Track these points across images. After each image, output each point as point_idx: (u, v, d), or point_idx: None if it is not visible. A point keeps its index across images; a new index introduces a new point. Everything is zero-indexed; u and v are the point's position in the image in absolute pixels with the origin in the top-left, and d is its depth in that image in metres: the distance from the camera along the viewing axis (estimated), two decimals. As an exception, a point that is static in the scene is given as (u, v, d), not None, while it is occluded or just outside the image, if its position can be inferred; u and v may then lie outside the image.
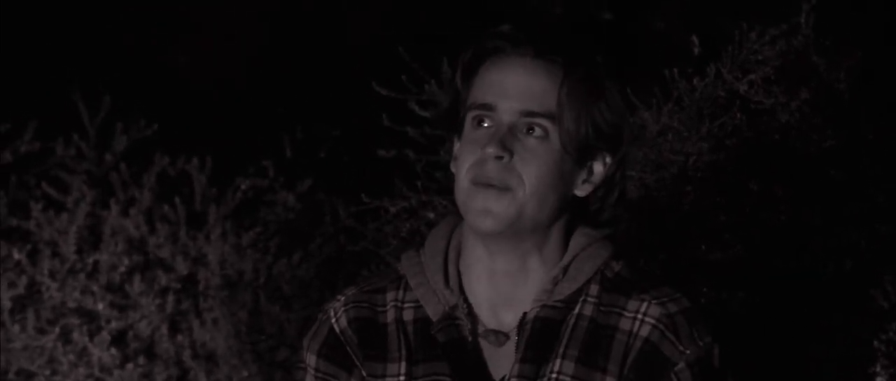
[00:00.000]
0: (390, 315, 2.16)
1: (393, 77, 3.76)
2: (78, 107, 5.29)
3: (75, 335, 5.08)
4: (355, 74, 4.43)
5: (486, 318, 2.13)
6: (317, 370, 2.17)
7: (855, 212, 3.44)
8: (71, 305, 5.11)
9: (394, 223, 3.89)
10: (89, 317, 5.12)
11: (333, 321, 2.18)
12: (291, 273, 5.03)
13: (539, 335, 2.09)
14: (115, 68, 6.27)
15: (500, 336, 2.11)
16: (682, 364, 2.07)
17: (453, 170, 2.14)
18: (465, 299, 2.13)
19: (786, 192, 3.47)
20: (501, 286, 2.12)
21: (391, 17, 6.14)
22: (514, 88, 2.08)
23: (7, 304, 5.04)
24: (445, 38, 3.51)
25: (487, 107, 2.09)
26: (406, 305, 2.16)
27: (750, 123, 3.56)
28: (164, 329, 5.11)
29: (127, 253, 5.12)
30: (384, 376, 2.13)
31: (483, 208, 2.07)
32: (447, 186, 3.76)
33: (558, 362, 2.08)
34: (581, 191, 2.13)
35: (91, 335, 5.09)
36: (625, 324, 2.09)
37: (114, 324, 5.11)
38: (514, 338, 2.11)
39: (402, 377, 2.12)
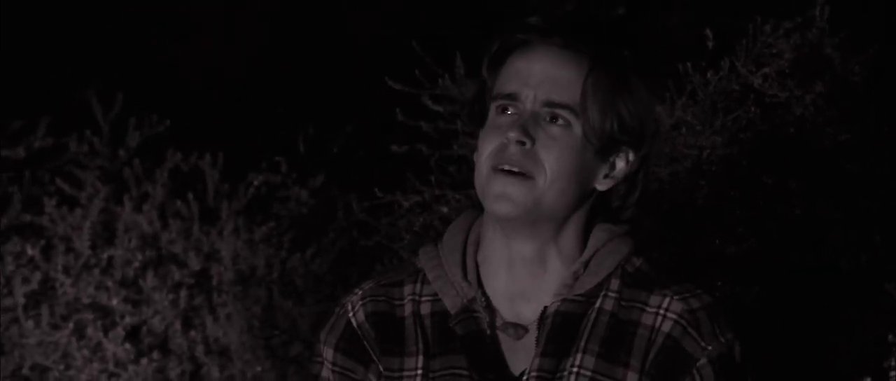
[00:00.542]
0: (408, 309, 2.15)
1: (406, 72, 3.75)
2: (91, 103, 5.29)
3: (89, 331, 5.08)
4: (368, 70, 4.43)
5: (505, 311, 2.12)
6: (334, 363, 2.16)
7: (870, 206, 3.44)
8: (85, 300, 5.11)
9: (407, 218, 3.89)
10: (103, 312, 5.12)
11: (351, 315, 2.17)
12: (304, 268, 5.03)
13: (560, 329, 2.08)
14: (129, 64, 6.27)
15: (518, 329, 2.10)
16: (703, 360, 2.06)
17: (476, 160, 2.13)
18: (484, 293, 2.13)
19: (800, 185, 3.46)
20: (520, 278, 2.11)
21: (399, 16, 6.14)
22: (538, 76, 2.08)
23: (21, 300, 5.05)
24: (450, 38, 3.52)
25: (511, 96, 2.09)
26: (423, 298, 2.15)
27: (764, 117, 3.55)
28: (178, 325, 5.11)
29: (140, 249, 5.13)
30: (401, 370, 2.13)
31: (501, 193, 2.07)
32: (460, 181, 3.76)
33: (579, 356, 2.08)
34: (602, 185, 2.12)
35: (105, 331, 5.10)
36: (647, 319, 2.09)
37: (127, 319, 5.12)
38: (533, 332, 2.11)
39: (419, 371, 2.12)
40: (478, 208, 2.14)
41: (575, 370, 2.07)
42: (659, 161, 3.54)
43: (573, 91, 2.07)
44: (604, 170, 2.12)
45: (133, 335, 5.15)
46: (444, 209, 3.78)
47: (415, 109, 3.78)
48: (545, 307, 2.10)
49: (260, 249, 5.09)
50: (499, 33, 2.13)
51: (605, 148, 2.09)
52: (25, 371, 5.11)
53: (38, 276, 5.09)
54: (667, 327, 2.08)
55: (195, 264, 5.14)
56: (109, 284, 5.13)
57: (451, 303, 2.13)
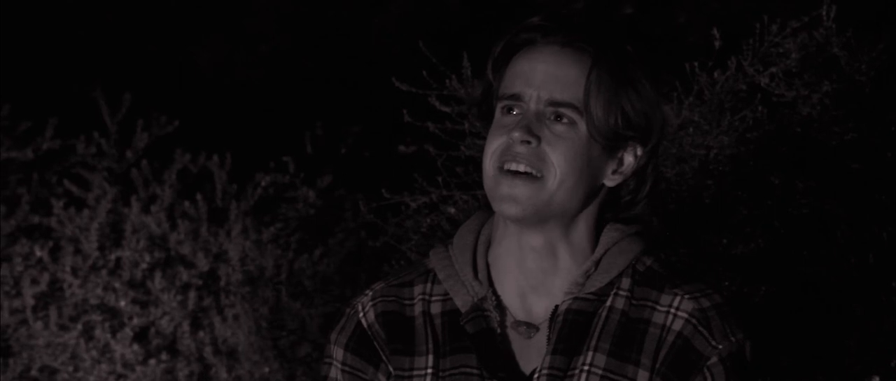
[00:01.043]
0: (418, 309, 2.16)
1: (413, 73, 3.76)
2: (99, 104, 5.30)
3: (97, 332, 5.09)
4: (375, 71, 4.43)
5: (516, 309, 2.13)
6: (344, 363, 2.16)
7: (877, 204, 3.44)
8: (93, 302, 5.12)
9: (414, 218, 3.89)
10: (111, 314, 5.13)
11: (361, 315, 2.17)
12: (312, 269, 5.04)
13: (571, 328, 2.09)
14: (136, 66, 6.28)
15: (530, 328, 2.10)
16: (714, 359, 2.07)
17: (483, 160, 2.14)
18: (494, 292, 2.13)
19: (807, 185, 3.46)
20: (531, 277, 2.12)
21: (408, 17, 6.14)
22: (541, 76, 2.09)
23: (30, 301, 5.06)
24: (457, 38, 3.52)
25: (515, 96, 2.09)
26: (434, 298, 2.16)
27: (771, 116, 3.55)
28: (186, 326, 5.12)
29: (148, 250, 5.14)
30: (412, 369, 2.13)
31: (508, 195, 2.07)
32: (468, 181, 3.76)
33: (590, 354, 2.08)
34: (611, 181, 2.13)
35: (113, 332, 5.11)
36: (657, 318, 2.09)
37: (136, 321, 5.13)
38: (544, 330, 2.11)
39: (429, 371, 2.12)
40: (488, 208, 2.15)
41: (586, 368, 2.07)
42: (666, 161, 3.55)
43: (576, 89, 2.08)
44: (612, 165, 2.12)
45: (141, 336, 5.16)
46: (452, 210, 3.78)
47: (422, 109, 3.79)
48: (556, 306, 2.10)
49: (268, 249, 5.09)
50: (501, 34, 2.13)
51: (611, 144, 2.10)
52: (34, 373, 5.12)
53: (46, 277, 5.10)
54: (678, 325, 2.08)
55: (203, 264, 5.15)
56: (117, 285, 5.14)
57: (461, 302, 2.13)
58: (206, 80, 6.31)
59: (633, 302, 2.10)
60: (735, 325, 2.09)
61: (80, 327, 5.07)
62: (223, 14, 6.46)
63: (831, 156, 3.48)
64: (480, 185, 2.15)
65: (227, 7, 6.47)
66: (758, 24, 3.57)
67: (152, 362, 5.09)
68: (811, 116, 3.51)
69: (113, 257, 5.13)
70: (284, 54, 6.36)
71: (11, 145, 5.27)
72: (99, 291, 5.09)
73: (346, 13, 6.30)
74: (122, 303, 5.09)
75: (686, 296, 2.10)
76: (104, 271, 5.11)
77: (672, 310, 2.09)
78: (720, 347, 2.07)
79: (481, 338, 2.10)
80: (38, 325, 5.03)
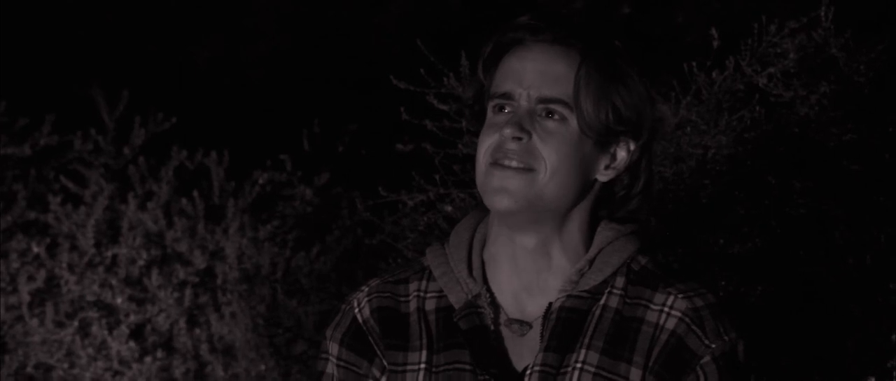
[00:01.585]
0: (412, 305, 2.17)
1: (410, 71, 3.76)
2: (96, 101, 5.30)
3: (94, 329, 5.09)
4: (375, 71, 4.43)
5: (510, 307, 2.13)
6: (339, 359, 2.18)
7: (874, 205, 3.43)
8: (89, 298, 5.12)
9: (411, 216, 3.89)
10: (108, 311, 5.13)
11: (357, 311, 2.19)
12: (309, 267, 5.04)
13: (564, 325, 2.09)
14: (136, 65, 6.28)
15: (523, 326, 2.11)
16: (707, 358, 2.07)
17: (476, 159, 2.14)
18: (488, 289, 2.14)
19: (805, 185, 3.46)
20: (524, 273, 2.12)
21: (406, 16, 6.14)
22: (531, 74, 2.10)
23: (26, 297, 5.06)
24: (462, 38, 3.52)
25: (506, 95, 2.11)
26: (429, 295, 2.17)
27: (769, 117, 3.55)
28: (182, 323, 5.12)
29: (145, 247, 5.14)
30: (405, 364, 2.14)
31: (499, 187, 2.08)
32: (465, 180, 3.76)
33: (583, 352, 2.09)
34: (603, 176, 2.13)
35: (110, 329, 5.11)
36: (651, 316, 2.09)
37: (132, 318, 5.12)
38: (537, 328, 2.11)
39: (422, 366, 2.13)
40: (483, 207, 2.15)
41: (578, 365, 2.08)
42: (664, 160, 3.54)
43: (566, 85, 2.09)
44: (604, 161, 2.13)
45: (137, 333, 5.16)
46: (449, 208, 3.78)
47: (420, 107, 3.78)
48: (550, 303, 2.11)
49: (265, 247, 5.10)
50: (490, 34, 2.14)
51: (603, 139, 2.10)
52: (29, 370, 5.12)
53: (42, 274, 5.10)
54: (671, 324, 2.09)
55: (200, 262, 5.15)
56: (114, 282, 5.14)
57: (455, 299, 2.14)
58: (205, 79, 6.32)
59: (627, 301, 2.11)
60: (728, 324, 2.10)
61: (76, 324, 5.07)
62: (223, 13, 6.46)
63: (829, 156, 3.47)
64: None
65: (226, 6, 6.47)
66: (756, 25, 3.57)
67: (148, 359, 5.08)
68: (809, 116, 3.51)
69: (109, 253, 5.12)
70: (284, 54, 6.37)
71: (8, 141, 5.27)
72: (95, 288, 5.09)
73: (346, 13, 6.31)
74: (119, 300, 5.09)
75: (680, 295, 2.10)
76: (101, 268, 5.11)
77: (666, 309, 2.09)
78: (713, 346, 2.08)
79: (474, 335, 2.11)
80: (34, 322, 5.03)
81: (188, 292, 5.11)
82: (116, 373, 5.07)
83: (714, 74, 3.59)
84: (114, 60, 6.17)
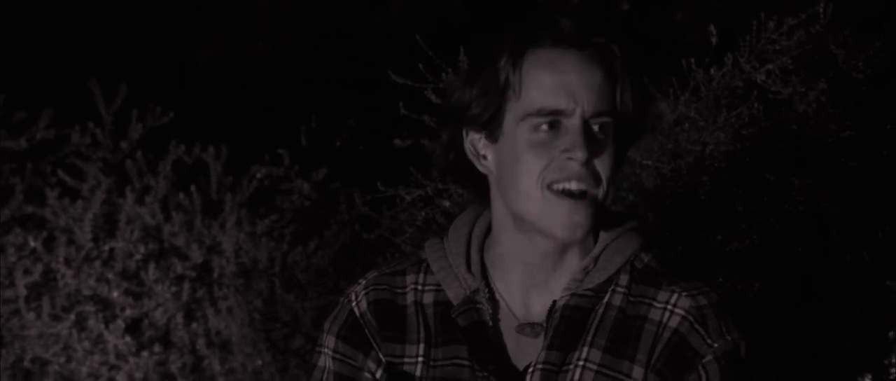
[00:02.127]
0: (409, 297, 2.17)
1: (409, 66, 3.75)
2: (94, 94, 5.30)
3: (90, 323, 5.09)
4: (375, 70, 4.43)
5: (515, 306, 2.13)
6: (335, 352, 2.18)
7: (872, 202, 3.44)
8: (86, 292, 5.12)
9: (409, 211, 3.88)
10: (104, 305, 5.13)
11: (354, 304, 2.19)
12: (306, 261, 5.04)
13: (568, 323, 2.09)
14: (132, 56, 6.28)
15: (536, 327, 2.10)
16: (709, 357, 2.07)
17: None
18: (487, 285, 2.13)
19: (803, 182, 3.46)
20: (535, 275, 2.12)
21: (404, 12, 6.14)
22: (579, 88, 2.04)
23: (23, 291, 5.06)
24: (462, 37, 3.52)
25: (557, 112, 2.05)
26: (426, 288, 2.16)
27: (767, 113, 3.55)
28: (179, 317, 5.12)
29: (142, 241, 5.14)
30: (403, 357, 2.14)
31: (573, 223, 2.04)
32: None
33: (586, 350, 2.08)
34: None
35: (106, 323, 5.10)
36: (654, 314, 2.09)
37: (129, 312, 5.12)
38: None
39: (420, 359, 2.13)
40: (481, 202, 2.14)
41: (581, 363, 2.08)
42: (662, 157, 3.54)
43: (609, 96, 2.06)
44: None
45: (134, 327, 5.16)
46: (447, 203, 3.78)
47: (418, 102, 3.78)
48: (554, 301, 2.10)
49: (262, 242, 5.09)
50: (507, 43, 2.08)
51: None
52: (26, 363, 5.11)
53: (39, 267, 5.09)
54: (674, 322, 2.08)
55: (197, 256, 5.14)
56: (111, 276, 5.13)
57: (453, 294, 2.14)
58: (205, 78, 6.32)
59: (631, 299, 2.11)
60: (731, 324, 2.09)
61: (72, 317, 5.07)
62: (223, 13, 6.46)
63: (828, 153, 3.47)
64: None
65: (226, 6, 6.47)
66: (755, 22, 3.57)
67: (145, 353, 5.08)
68: (807, 113, 3.51)
69: (107, 247, 5.12)
70: (284, 54, 6.37)
71: (6, 135, 5.27)
72: (92, 282, 5.08)
73: (346, 13, 6.31)
74: (116, 294, 5.09)
75: (683, 293, 2.10)
76: (98, 262, 5.11)
77: (669, 307, 2.09)
78: (716, 345, 2.07)
79: (473, 331, 2.11)
80: (31, 315, 5.03)
81: (185, 286, 5.11)
82: (113, 367, 5.07)
83: (712, 71, 3.59)
84: (114, 60, 6.16)
